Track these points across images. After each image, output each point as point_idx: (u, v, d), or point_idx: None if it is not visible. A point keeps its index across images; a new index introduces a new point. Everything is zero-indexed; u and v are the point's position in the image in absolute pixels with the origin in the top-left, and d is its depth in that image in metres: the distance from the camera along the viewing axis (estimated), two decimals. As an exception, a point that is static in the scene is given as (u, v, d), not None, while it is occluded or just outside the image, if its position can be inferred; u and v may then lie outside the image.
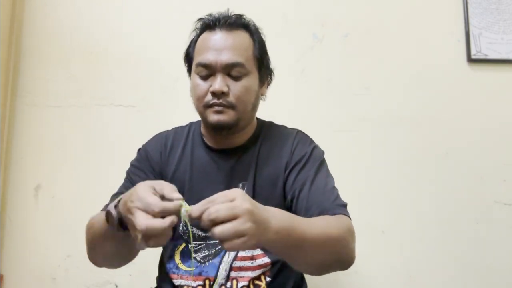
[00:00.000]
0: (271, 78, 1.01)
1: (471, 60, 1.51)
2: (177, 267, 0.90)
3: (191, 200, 0.92)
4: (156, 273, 1.00)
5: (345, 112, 1.49)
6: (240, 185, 0.91)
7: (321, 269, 0.79)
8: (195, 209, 0.61)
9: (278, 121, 1.05)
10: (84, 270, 1.39)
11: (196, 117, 0.99)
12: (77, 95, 1.50)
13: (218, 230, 0.58)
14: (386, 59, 1.52)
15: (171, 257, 0.92)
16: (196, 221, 0.62)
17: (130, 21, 1.54)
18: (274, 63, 1.01)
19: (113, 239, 0.75)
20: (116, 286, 1.40)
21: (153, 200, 0.62)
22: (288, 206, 0.89)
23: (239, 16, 0.94)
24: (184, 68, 1.01)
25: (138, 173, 0.95)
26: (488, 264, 1.41)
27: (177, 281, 0.89)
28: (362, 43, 1.53)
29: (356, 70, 1.51)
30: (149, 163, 0.97)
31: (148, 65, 1.51)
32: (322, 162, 0.94)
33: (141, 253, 0.85)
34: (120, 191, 0.91)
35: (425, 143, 1.48)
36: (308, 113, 1.48)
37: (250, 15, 0.97)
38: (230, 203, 0.60)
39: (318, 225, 0.75)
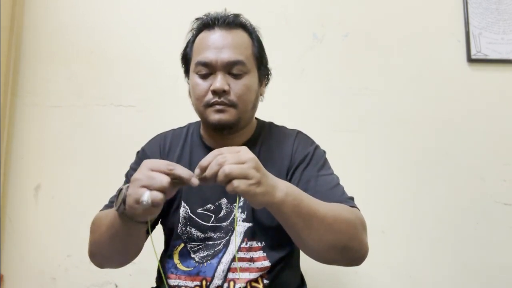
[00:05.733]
0: (268, 78, 1.01)
1: (471, 60, 1.51)
2: (176, 267, 0.90)
3: (190, 201, 0.92)
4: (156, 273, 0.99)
5: (345, 112, 1.49)
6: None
7: (331, 254, 0.77)
8: (204, 159, 0.66)
9: (278, 121, 1.04)
10: (84, 270, 1.39)
11: (196, 117, 0.99)
12: (77, 95, 1.50)
13: (227, 167, 0.63)
14: (386, 59, 1.52)
15: (170, 256, 0.92)
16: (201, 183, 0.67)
17: (130, 21, 1.54)
18: (274, 63, 1.01)
19: (121, 230, 0.75)
20: (116, 286, 1.40)
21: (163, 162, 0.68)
22: None
23: (237, 16, 0.93)
24: (184, 68, 1.00)
25: None
26: (488, 264, 1.41)
27: (174, 281, 0.88)
28: (362, 43, 1.53)
29: (356, 70, 1.51)
30: None
31: (148, 65, 1.51)
32: (325, 161, 0.94)
33: (142, 253, 0.86)
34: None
35: (425, 143, 1.48)
36: (308, 113, 1.48)
37: (250, 15, 0.97)
38: (236, 153, 0.66)
39: (328, 206, 0.76)
